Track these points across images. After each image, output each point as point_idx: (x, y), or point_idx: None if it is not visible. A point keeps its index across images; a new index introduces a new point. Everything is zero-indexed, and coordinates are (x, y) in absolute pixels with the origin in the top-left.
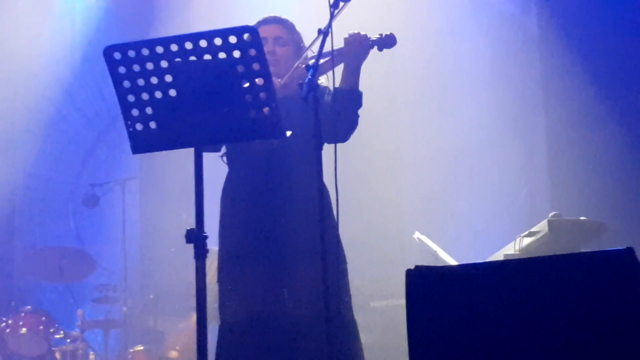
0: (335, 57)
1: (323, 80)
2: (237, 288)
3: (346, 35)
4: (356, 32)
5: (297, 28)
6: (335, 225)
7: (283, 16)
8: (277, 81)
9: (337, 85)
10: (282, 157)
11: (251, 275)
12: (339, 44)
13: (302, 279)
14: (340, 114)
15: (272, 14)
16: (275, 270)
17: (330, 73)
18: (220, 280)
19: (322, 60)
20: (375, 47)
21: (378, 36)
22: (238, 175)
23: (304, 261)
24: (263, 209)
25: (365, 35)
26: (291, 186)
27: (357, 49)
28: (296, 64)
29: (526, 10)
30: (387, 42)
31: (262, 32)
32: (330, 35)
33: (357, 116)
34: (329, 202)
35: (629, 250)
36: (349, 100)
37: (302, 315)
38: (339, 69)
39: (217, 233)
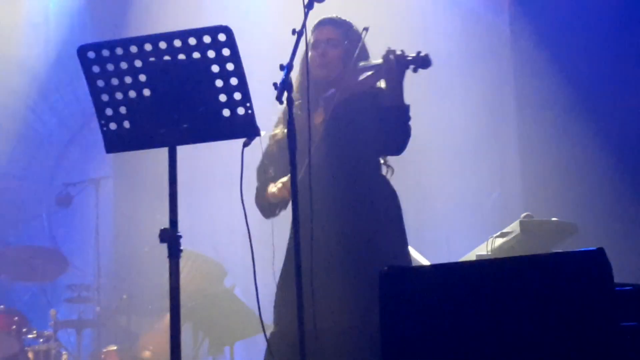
0: (376, 73)
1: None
2: (290, 299)
3: (384, 54)
4: (392, 49)
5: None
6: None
7: (339, 16)
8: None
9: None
10: (349, 161)
11: (309, 286)
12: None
13: (365, 291)
14: (389, 130)
15: (330, 15)
16: (324, 285)
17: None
18: (281, 287)
19: (363, 76)
20: (411, 68)
21: (414, 55)
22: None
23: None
24: (314, 225)
25: (402, 55)
26: (359, 196)
27: (395, 68)
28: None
29: (498, 12)
30: (422, 63)
31: (317, 35)
32: (304, 35)
33: (409, 127)
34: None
35: (600, 251)
36: (397, 116)
37: (353, 328)
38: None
39: (191, 233)
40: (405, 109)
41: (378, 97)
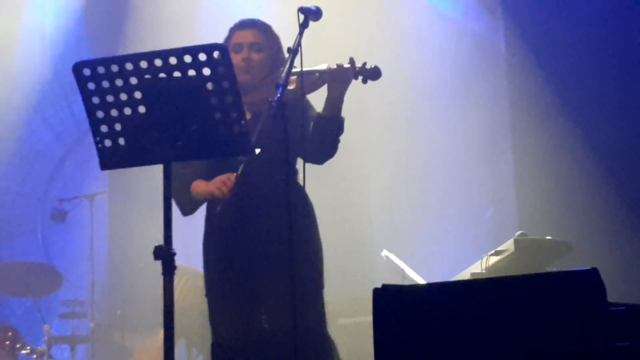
0: (319, 78)
1: (308, 98)
2: (223, 308)
3: (333, 66)
4: (340, 63)
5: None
6: (314, 237)
7: (259, 19)
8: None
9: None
10: (255, 173)
11: (233, 294)
12: (321, 61)
13: (279, 296)
14: (320, 139)
15: (248, 17)
16: (254, 289)
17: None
18: (207, 299)
19: (306, 80)
20: (360, 79)
21: (361, 66)
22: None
23: (281, 277)
24: (241, 228)
25: (349, 68)
26: (266, 202)
27: (341, 80)
28: (286, 75)
29: (494, 29)
30: (371, 74)
31: (238, 37)
32: (299, 54)
33: (338, 141)
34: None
35: (594, 271)
36: (330, 127)
37: (280, 332)
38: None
39: (186, 248)
40: (341, 121)
41: (309, 106)
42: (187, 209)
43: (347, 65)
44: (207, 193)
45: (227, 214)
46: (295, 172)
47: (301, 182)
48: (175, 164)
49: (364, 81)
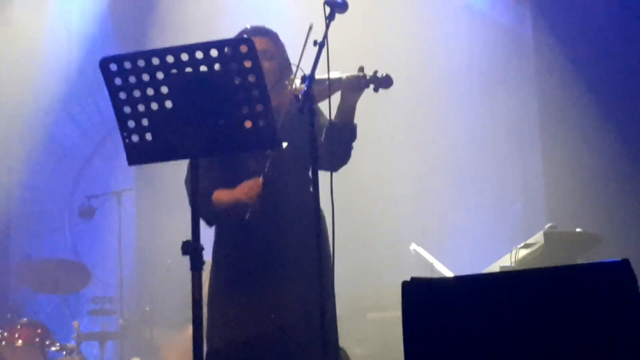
0: (333, 86)
1: (319, 106)
2: (226, 314)
3: (345, 75)
4: (354, 74)
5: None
6: (328, 245)
7: (267, 26)
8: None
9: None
10: (277, 174)
11: (241, 299)
12: (350, 57)
13: (295, 302)
14: (333, 147)
15: (258, 25)
16: (265, 294)
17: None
18: (211, 304)
19: (318, 88)
20: (371, 87)
21: (372, 75)
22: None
23: (298, 285)
24: (259, 230)
25: (361, 77)
26: (287, 204)
27: (354, 89)
28: (291, 80)
29: (521, 21)
30: (383, 83)
31: None
32: (326, 46)
33: (351, 148)
34: (324, 224)
35: (625, 262)
36: (343, 134)
37: (293, 340)
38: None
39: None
40: (354, 128)
41: (320, 113)
42: (212, 220)
43: (360, 74)
44: (232, 200)
45: (240, 229)
46: (308, 178)
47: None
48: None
49: (376, 89)
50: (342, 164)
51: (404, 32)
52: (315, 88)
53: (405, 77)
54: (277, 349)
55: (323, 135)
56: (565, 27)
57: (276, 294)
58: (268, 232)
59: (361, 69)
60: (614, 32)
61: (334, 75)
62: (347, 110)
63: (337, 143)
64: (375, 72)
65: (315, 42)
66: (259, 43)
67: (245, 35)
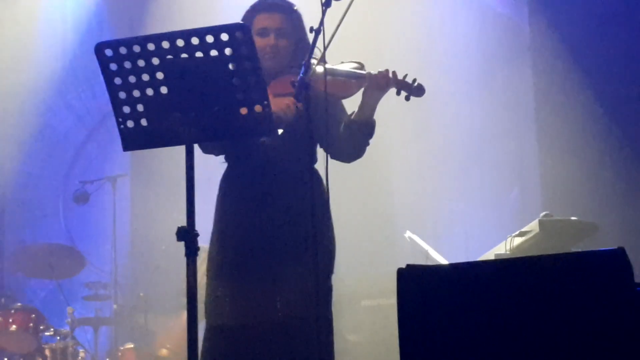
0: (354, 84)
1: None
2: (231, 291)
3: (375, 72)
4: (385, 70)
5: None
6: (330, 224)
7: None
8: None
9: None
10: (280, 155)
11: (247, 277)
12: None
13: (295, 281)
14: (351, 142)
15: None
16: (269, 273)
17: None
18: (211, 281)
19: (341, 79)
20: (402, 94)
21: (405, 80)
22: (236, 174)
23: (298, 263)
24: (262, 209)
25: (392, 79)
26: (288, 186)
27: (380, 88)
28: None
29: (518, 10)
30: (415, 91)
31: (264, 20)
32: (322, 33)
33: (367, 144)
34: (326, 200)
35: (620, 250)
36: (362, 131)
37: (293, 317)
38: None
39: (208, 231)
40: (373, 125)
41: (342, 107)
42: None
43: (390, 75)
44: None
45: (246, 192)
46: (315, 158)
47: (320, 169)
48: None
49: (407, 98)
50: (356, 158)
51: (401, 22)
52: (341, 81)
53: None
54: (279, 328)
55: (341, 128)
56: (561, 15)
57: (281, 274)
58: (271, 211)
59: (394, 73)
60: (610, 21)
61: (360, 71)
62: (369, 108)
63: (356, 139)
64: (415, 80)
65: (311, 29)
66: (272, 19)
67: (258, 9)
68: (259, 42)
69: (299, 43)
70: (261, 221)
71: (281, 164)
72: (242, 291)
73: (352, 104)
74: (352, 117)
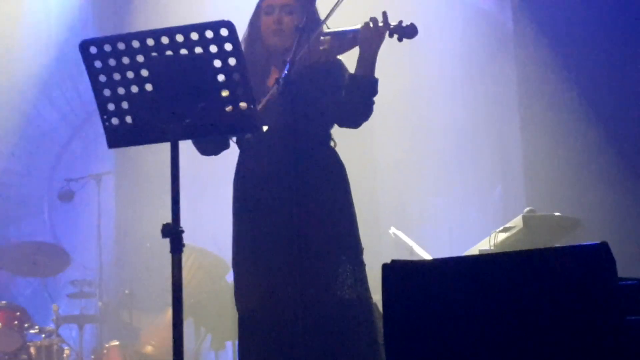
0: (351, 39)
1: (341, 58)
2: (256, 276)
3: (365, 21)
4: (373, 17)
5: None
6: (352, 208)
7: None
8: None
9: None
10: (296, 137)
11: (271, 261)
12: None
13: (319, 265)
14: (354, 101)
15: None
16: (292, 257)
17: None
18: (237, 267)
19: (336, 42)
20: (395, 37)
21: (396, 24)
22: (250, 157)
23: (322, 248)
24: (281, 193)
25: (383, 25)
26: (307, 167)
27: (373, 36)
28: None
29: (502, 7)
30: (407, 31)
31: None
32: (305, 32)
33: (372, 103)
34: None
35: (603, 245)
36: (363, 87)
37: (318, 302)
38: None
39: (194, 229)
40: (375, 82)
41: (342, 67)
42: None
43: (380, 22)
44: None
45: (273, 179)
46: (330, 136)
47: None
48: None
49: (400, 39)
50: (364, 119)
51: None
52: (333, 42)
53: (384, 64)
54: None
55: (344, 91)
56: (545, 11)
57: (301, 258)
58: (290, 194)
59: (384, 15)
60: (594, 18)
61: (354, 27)
62: (368, 62)
63: (359, 97)
64: (400, 21)
65: (296, 27)
66: None
67: None
68: (264, 20)
69: (307, 19)
70: (281, 205)
71: (300, 146)
72: (264, 277)
73: None
74: (353, 74)
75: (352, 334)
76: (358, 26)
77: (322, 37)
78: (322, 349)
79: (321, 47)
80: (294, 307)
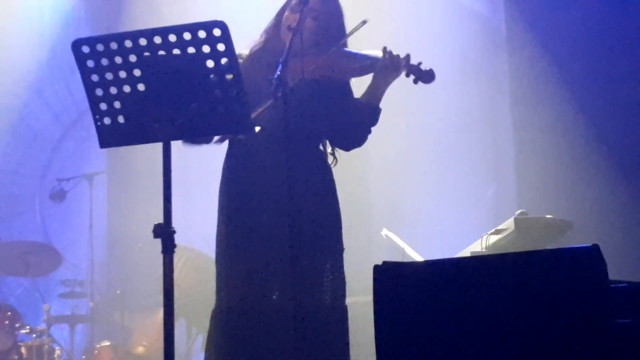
0: (368, 66)
1: (354, 81)
2: (238, 271)
3: (386, 50)
4: (396, 54)
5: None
6: (335, 201)
7: None
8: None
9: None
10: (286, 140)
11: (254, 258)
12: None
13: (303, 265)
14: (354, 126)
15: None
16: (277, 255)
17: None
18: (221, 260)
19: (353, 64)
20: (411, 78)
21: (416, 66)
22: (240, 153)
23: (310, 247)
24: (268, 189)
25: (402, 61)
26: (294, 166)
27: (391, 71)
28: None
29: (494, 9)
30: (424, 77)
31: None
32: (299, 34)
33: (369, 132)
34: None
35: (594, 247)
36: (367, 116)
37: (301, 303)
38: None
39: (185, 229)
40: (378, 112)
41: (350, 89)
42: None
43: (401, 58)
44: None
45: (249, 179)
46: (321, 139)
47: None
48: None
49: (415, 82)
50: (356, 145)
51: (378, 21)
52: (351, 63)
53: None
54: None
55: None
56: (537, 13)
57: (277, 256)
58: (278, 192)
59: (407, 56)
60: (585, 20)
61: (372, 52)
62: (377, 91)
63: (360, 124)
64: (420, 63)
65: (289, 28)
66: None
67: None
68: (287, 15)
69: (328, 28)
70: (269, 200)
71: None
72: (247, 273)
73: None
74: (360, 100)
75: (330, 337)
76: (378, 53)
77: (341, 55)
78: (296, 349)
79: (337, 64)
80: (275, 306)
